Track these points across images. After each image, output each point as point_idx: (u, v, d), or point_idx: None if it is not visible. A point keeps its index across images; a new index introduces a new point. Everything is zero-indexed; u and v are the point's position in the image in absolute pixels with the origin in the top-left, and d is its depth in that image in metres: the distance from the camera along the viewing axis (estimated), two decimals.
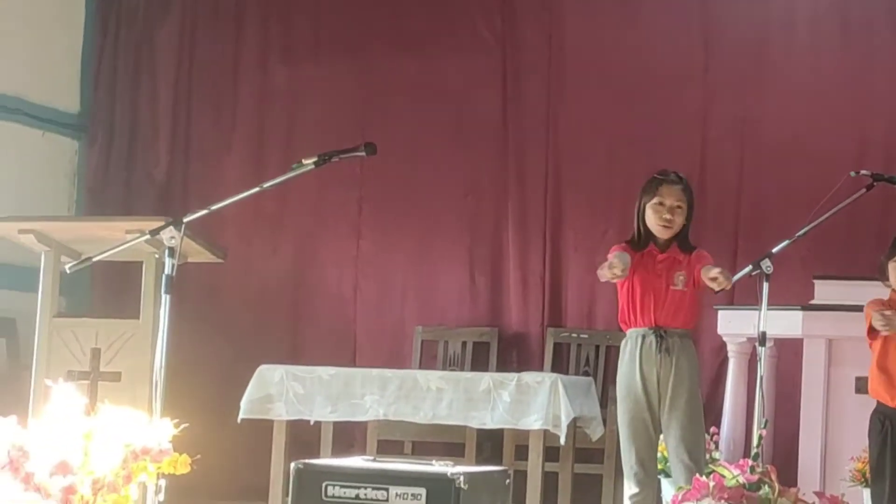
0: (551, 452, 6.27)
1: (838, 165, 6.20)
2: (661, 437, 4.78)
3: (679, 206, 4.72)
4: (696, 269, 4.68)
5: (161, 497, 4.38)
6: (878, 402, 4.66)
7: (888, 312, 4.55)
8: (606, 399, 6.96)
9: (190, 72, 8.32)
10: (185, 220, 4.54)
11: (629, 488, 4.68)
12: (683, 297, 4.67)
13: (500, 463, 6.45)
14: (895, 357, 4.61)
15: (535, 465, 6.10)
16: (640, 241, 4.75)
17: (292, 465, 4.65)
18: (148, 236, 4.64)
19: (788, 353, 6.30)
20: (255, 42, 8.26)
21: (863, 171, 5.36)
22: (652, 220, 4.72)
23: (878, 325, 4.55)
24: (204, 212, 4.66)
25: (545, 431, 6.04)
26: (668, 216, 4.69)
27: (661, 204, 4.70)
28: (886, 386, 4.62)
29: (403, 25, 7.99)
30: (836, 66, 7.24)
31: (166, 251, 4.50)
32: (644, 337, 4.67)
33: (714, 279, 4.52)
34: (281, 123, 8.13)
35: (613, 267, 4.51)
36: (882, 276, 4.73)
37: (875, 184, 5.62)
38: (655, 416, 4.68)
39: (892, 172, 5.39)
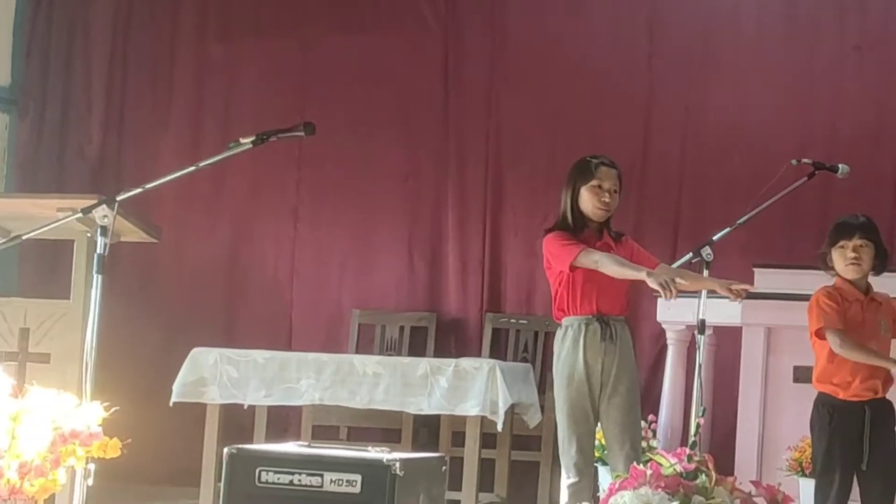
0: (488, 439, 6.24)
1: (780, 154, 6.20)
2: (599, 424, 4.73)
3: (615, 191, 4.67)
4: (640, 260, 4.61)
5: (90, 481, 4.30)
6: (824, 394, 4.63)
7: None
8: (544, 386, 6.94)
9: (125, 46, 8.15)
10: (119, 198, 4.44)
11: (568, 477, 4.62)
12: (622, 284, 4.62)
13: (436, 449, 6.40)
14: None
15: (471, 452, 6.05)
16: (576, 227, 4.67)
17: (225, 450, 4.56)
18: (80, 214, 4.53)
19: (727, 341, 6.31)
20: (193, 17, 8.11)
21: (804, 160, 5.36)
22: (589, 204, 4.64)
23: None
24: (138, 190, 4.56)
25: (482, 418, 6.00)
26: (606, 199, 4.63)
27: (599, 187, 4.64)
28: (837, 378, 4.60)
29: (345, 4, 7.90)
30: (780, 56, 7.28)
31: (98, 230, 4.39)
32: (587, 324, 4.61)
33: (735, 293, 4.51)
34: (218, 101, 8.00)
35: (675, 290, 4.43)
36: (824, 265, 4.71)
37: (816, 172, 5.62)
38: (595, 405, 4.62)
39: (834, 162, 5.40)
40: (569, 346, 4.63)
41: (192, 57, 8.07)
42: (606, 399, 4.60)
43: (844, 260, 4.62)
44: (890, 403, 4.61)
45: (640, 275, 4.44)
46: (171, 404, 6.27)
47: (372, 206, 7.76)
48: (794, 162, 5.31)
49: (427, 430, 7.02)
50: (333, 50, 7.85)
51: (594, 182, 4.63)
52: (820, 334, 4.59)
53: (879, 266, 4.66)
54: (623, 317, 4.68)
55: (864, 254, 4.61)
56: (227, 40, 8.04)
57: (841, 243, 4.63)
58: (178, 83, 8.08)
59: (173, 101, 8.09)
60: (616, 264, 4.52)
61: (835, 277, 4.69)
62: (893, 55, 7.14)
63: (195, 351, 6.30)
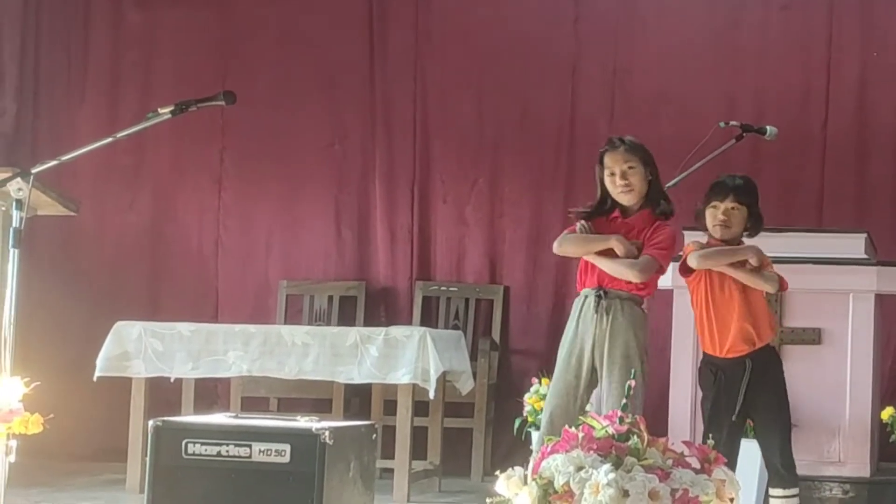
0: (420, 407, 6.20)
1: (708, 117, 6.21)
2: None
3: (630, 167, 4.59)
4: (647, 246, 4.57)
5: (12, 458, 4.21)
6: (706, 354, 4.65)
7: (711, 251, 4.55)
8: (476, 353, 6.91)
9: (38, 13, 7.92)
10: (34, 171, 4.36)
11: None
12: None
13: (368, 418, 6.33)
14: (721, 304, 4.59)
15: (403, 420, 6.01)
16: (608, 207, 4.64)
17: (150, 422, 4.45)
18: None
19: (659, 304, 6.28)
20: None
21: (732, 122, 5.36)
22: (612, 192, 4.63)
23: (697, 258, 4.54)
24: (54, 162, 4.47)
25: (414, 386, 5.95)
26: (622, 181, 4.58)
27: (612, 174, 4.61)
28: (712, 336, 4.60)
29: None
30: (706, 18, 7.28)
31: (14, 203, 4.32)
32: (586, 297, 4.58)
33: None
34: (136, 71, 7.81)
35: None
36: (699, 223, 4.71)
37: (744, 135, 5.65)
38: (581, 381, 4.55)
39: (761, 124, 5.38)
40: (570, 318, 4.62)
41: (107, 24, 7.86)
42: (604, 377, 4.52)
43: (714, 220, 4.62)
44: (765, 354, 4.59)
45: (608, 243, 4.49)
46: (94, 379, 6.15)
47: (298, 174, 7.66)
48: (721, 124, 5.32)
49: (358, 399, 6.97)
50: (254, 15, 7.71)
51: (607, 172, 4.62)
52: (684, 271, 4.62)
53: (752, 230, 4.63)
54: (630, 293, 4.56)
55: (733, 217, 4.59)
56: (143, 7, 7.84)
57: (713, 203, 4.62)
58: (93, 52, 7.87)
59: (89, 70, 7.87)
60: (575, 244, 4.57)
61: (707, 237, 4.69)
62: (819, 16, 7.17)
63: (118, 324, 6.19)
